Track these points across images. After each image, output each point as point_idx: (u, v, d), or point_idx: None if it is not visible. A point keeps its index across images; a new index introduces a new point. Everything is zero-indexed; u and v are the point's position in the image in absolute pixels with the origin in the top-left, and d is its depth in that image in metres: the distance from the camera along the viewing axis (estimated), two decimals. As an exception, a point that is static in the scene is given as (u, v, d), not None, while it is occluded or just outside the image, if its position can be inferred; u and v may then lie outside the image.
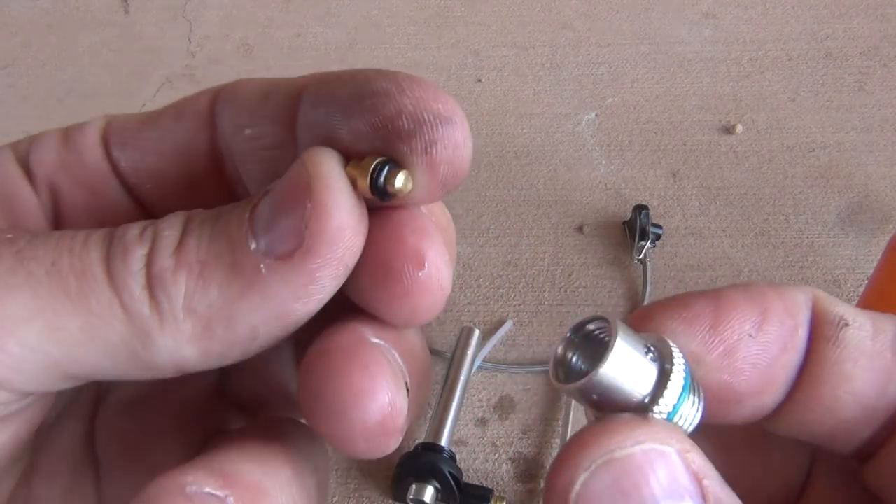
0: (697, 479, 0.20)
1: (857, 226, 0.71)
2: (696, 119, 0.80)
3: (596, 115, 0.82)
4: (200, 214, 0.22)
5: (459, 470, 0.57)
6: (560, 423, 0.60)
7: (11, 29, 0.95)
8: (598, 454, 0.20)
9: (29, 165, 0.25)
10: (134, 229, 0.22)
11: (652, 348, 0.21)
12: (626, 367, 0.20)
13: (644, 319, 0.23)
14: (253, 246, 0.21)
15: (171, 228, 0.22)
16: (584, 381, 0.20)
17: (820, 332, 0.23)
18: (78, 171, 0.26)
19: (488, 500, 0.57)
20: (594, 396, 0.20)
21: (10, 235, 0.21)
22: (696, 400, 0.21)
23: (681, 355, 0.21)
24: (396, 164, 0.22)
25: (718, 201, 0.74)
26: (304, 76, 0.24)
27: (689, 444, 0.21)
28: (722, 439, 0.27)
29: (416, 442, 0.59)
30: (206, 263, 0.22)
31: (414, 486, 0.56)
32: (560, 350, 0.21)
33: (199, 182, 0.27)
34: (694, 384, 0.21)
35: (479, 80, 0.86)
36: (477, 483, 0.58)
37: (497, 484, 0.59)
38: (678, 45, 0.88)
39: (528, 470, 0.60)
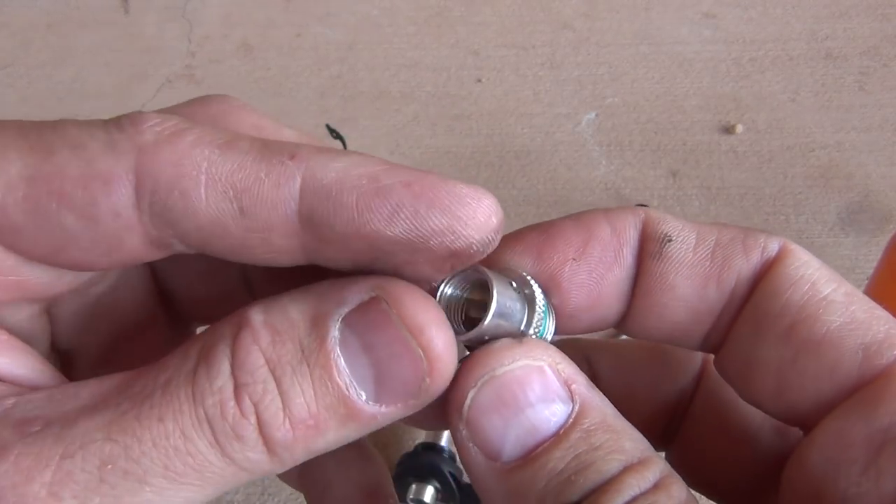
0: (567, 385, 0.24)
1: (857, 226, 0.71)
2: (696, 119, 0.80)
3: (596, 115, 0.82)
4: (285, 364, 0.23)
5: (459, 470, 0.57)
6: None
7: (11, 29, 0.95)
8: (482, 373, 0.24)
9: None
10: (230, 406, 0.22)
11: (513, 283, 0.26)
12: (504, 307, 0.25)
13: (489, 257, 0.25)
14: (363, 398, 0.23)
15: (268, 393, 0.22)
16: (476, 330, 0.24)
17: (646, 249, 0.26)
18: None
19: (488, 500, 0.57)
20: (485, 338, 0.25)
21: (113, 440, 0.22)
22: (552, 315, 0.26)
23: (534, 281, 0.26)
24: (473, 300, 0.26)
25: (718, 201, 0.74)
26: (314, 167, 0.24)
27: (559, 357, 0.25)
28: (623, 353, 0.32)
29: (416, 442, 0.59)
30: (319, 418, 0.23)
31: (414, 486, 0.56)
32: (442, 305, 0.25)
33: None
34: (549, 303, 0.26)
35: (479, 80, 0.86)
36: (477, 483, 0.58)
37: (497, 484, 0.59)
38: (678, 45, 0.88)
39: (528, 470, 0.60)
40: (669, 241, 0.26)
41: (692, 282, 0.26)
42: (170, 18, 0.95)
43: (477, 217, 0.24)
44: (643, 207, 0.27)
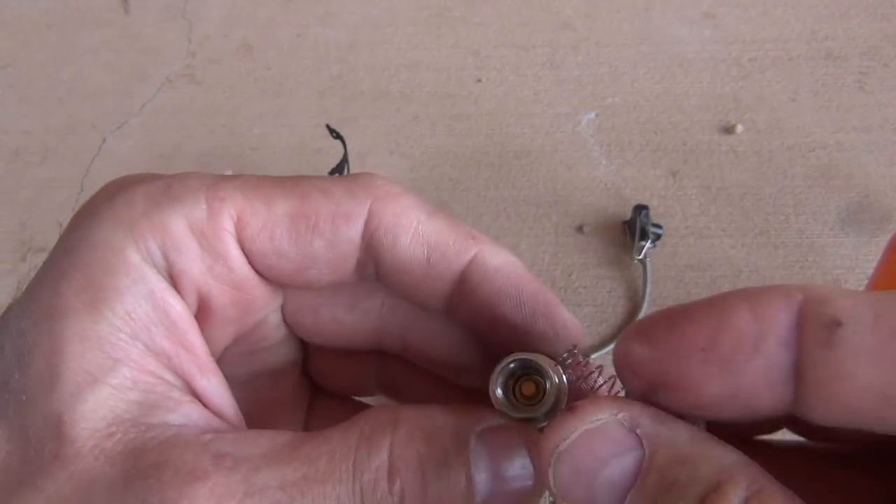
0: (632, 431, 0.24)
1: (857, 226, 0.71)
2: (696, 119, 0.80)
3: (596, 115, 0.82)
4: (432, 461, 0.28)
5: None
6: (560, 423, 0.60)
7: (11, 29, 0.95)
8: (551, 452, 0.25)
9: (172, 276, 0.30)
10: (382, 484, 0.27)
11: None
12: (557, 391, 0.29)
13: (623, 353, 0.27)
14: (478, 499, 0.28)
15: (414, 483, 0.27)
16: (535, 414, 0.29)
17: (811, 336, 0.23)
18: (226, 278, 0.32)
19: (488, 500, 0.57)
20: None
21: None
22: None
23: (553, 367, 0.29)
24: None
25: (718, 201, 0.74)
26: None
27: (616, 406, 0.25)
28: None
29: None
30: None
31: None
32: (500, 392, 0.30)
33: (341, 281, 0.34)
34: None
35: (479, 80, 0.86)
36: (477, 483, 0.58)
37: (497, 484, 0.59)
38: (678, 45, 0.88)
39: (528, 470, 0.60)
40: (838, 325, 0.22)
41: (878, 367, 0.22)
42: (170, 18, 0.95)
43: (568, 338, 0.32)
44: (800, 287, 0.24)
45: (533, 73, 0.86)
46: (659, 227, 0.70)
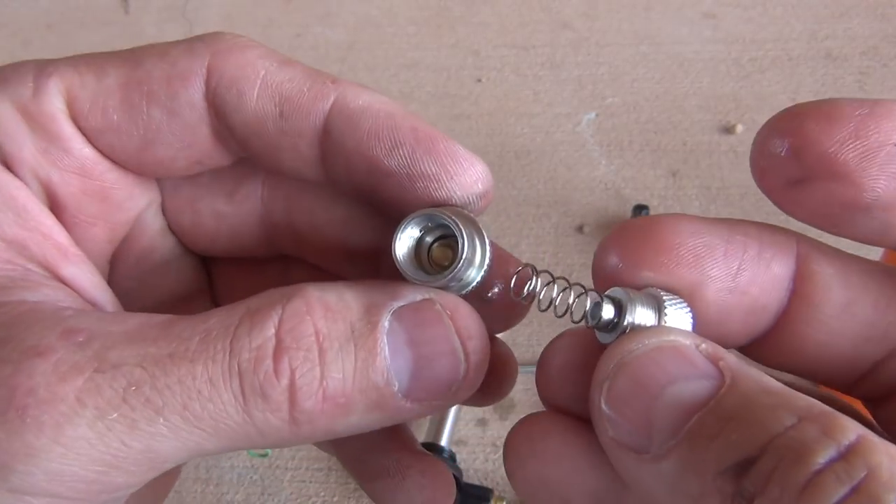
0: (713, 360, 0.22)
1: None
2: (696, 119, 0.80)
3: (596, 115, 0.82)
4: (333, 339, 0.24)
5: (459, 470, 0.57)
6: (560, 423, 0.61)
7: (11, 29, 0.95)
8: (613, 361, 0.23)
9: (7, 163, 0.27)
10: (265, 364, 0.23)
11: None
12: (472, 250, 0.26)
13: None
14: (395, 388, 0.25)
15: (308, 361, 0.24)
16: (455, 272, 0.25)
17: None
18: (66, 162, 0.28)
19: (488, 500, 0.57)
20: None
21: (141, 368, 0.23)
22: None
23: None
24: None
25: (718, 201, 0.74)
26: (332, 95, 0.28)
27: (698, 338, 0.23)
28: (855, 268, 0.26)
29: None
30: (350, 398, 0.24)
31: (414, 486, 0.56)
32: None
33: (197, 148, 0.29)
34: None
35: (479, 80, 0.86)
36: (477, 483, 0.58)
37: (497, 484, 0.59)
38: (678, 45, 0.88)
39: (528, 470, 0.60)
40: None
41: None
42: (170, 18, 0.95)
43: (463, 176, 0.27)
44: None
45: (533, 73, 0.86)
46: (659, 227, 0.70)
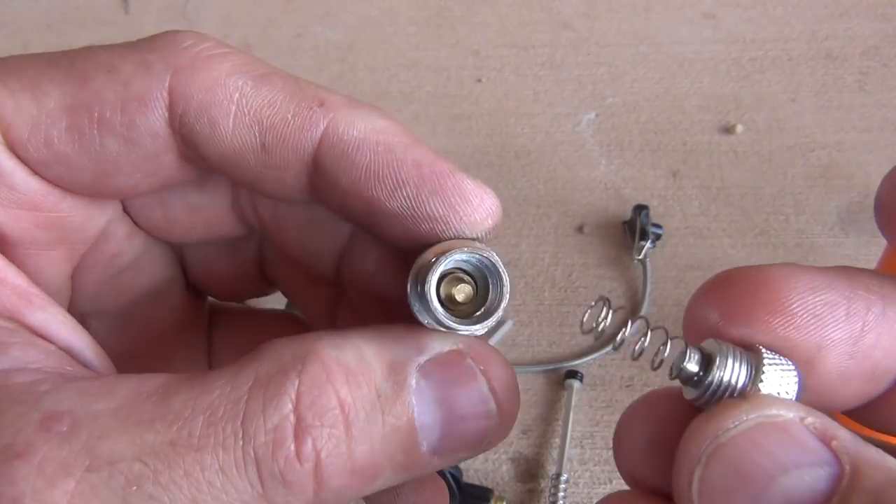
0: (826, 441, 0.18)
1: (857, 226, 0.71)
2: (696, 119, 0.80)
3: (596, 115, 0.82)
4: (359, 409, 0.21)
5: (459, 470, 0.57)
6: (560, 422, 0.60)
7: (11, 29, 0.95)
8: (705, 441, 0.19)
9: None
10: (285, 448, 0.20)
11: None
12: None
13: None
14: (425, 448, 0.22)
15: (333, 438, 0.21)
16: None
17: None
18: (11, 198, 0.24)
19: (488, 500, 0.57)
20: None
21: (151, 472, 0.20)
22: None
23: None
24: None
25: (718, 201, 0.74)
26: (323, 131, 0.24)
27: (805, 410, 0.19)
28: None
29: (416, 442, 0.59)
30: (378, 466, 0.21)
31: (414, 486, 0.55)
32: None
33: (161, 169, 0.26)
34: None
35: (479, 80, 0.86)
36: (477, 483, 0.58)
37: (497, 484, 0.59)
38: (678, 45, 0.88)
39: (528, 470, 0.60)
40: None
41: None
42: (170, 18, 0.95)
43: (474, 215, 0.24)
44: None
45: (533, 73, 0.86)
46: (659, 227, 0.70)
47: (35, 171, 0.24)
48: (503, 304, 0.23)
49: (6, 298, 0.23)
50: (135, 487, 0.20)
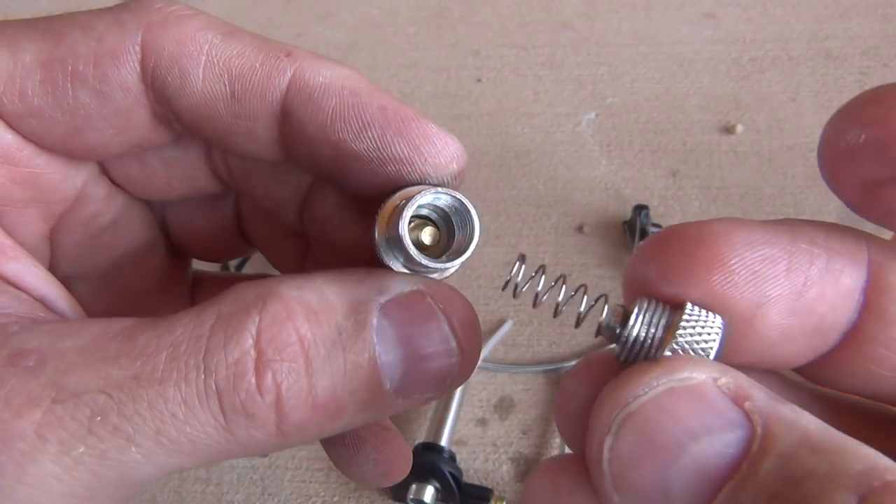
0: (738, 402, 0.18)
1: (857, 226, 0.71)
2: (696, 119, 0.80)
3: (596, 115, 0.82)
4: (319, 345, 0.22)
5: (459, 470, 0.57)
6: (560, 423, 0.60)
7: (11, 29, 0.95)
8: (615, 409, 0.18)
9: None
10: (246, 380, 0.21)
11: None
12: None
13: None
14: (388, 386, 0.22)
15: (294, 373, 0.21)
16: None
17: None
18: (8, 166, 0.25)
19: (488, 500, 0.57)
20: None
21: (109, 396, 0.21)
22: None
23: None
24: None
25: (718, 201, 0.74)
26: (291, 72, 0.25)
27: (718, 370, 0.18)
28: None
29: (416, 442, 0.59)
30: (341, 402, 0.22)
31: (414, 486, 0.56)
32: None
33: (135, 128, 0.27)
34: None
35: (479, 80, 0.86)
36: (477, 483, 0.58)
37: (497, 484, 0.59)
38: (678, 45, 0.88)
39: (528, 470, 0.60)
40: None
41: None
42: (170, 18, 0.95)
43: (438, 157, 0.24)
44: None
45: (533, 73, 0.86)
46: (659, 227, 0.70)
47: (9, 124, 0.25)
48: (473, 243, 0.24)
49: None
50: (99, 418, 0.20)
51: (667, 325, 0.20)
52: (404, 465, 0.31)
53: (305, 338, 0.22)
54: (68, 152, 0.26)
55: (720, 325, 0.20)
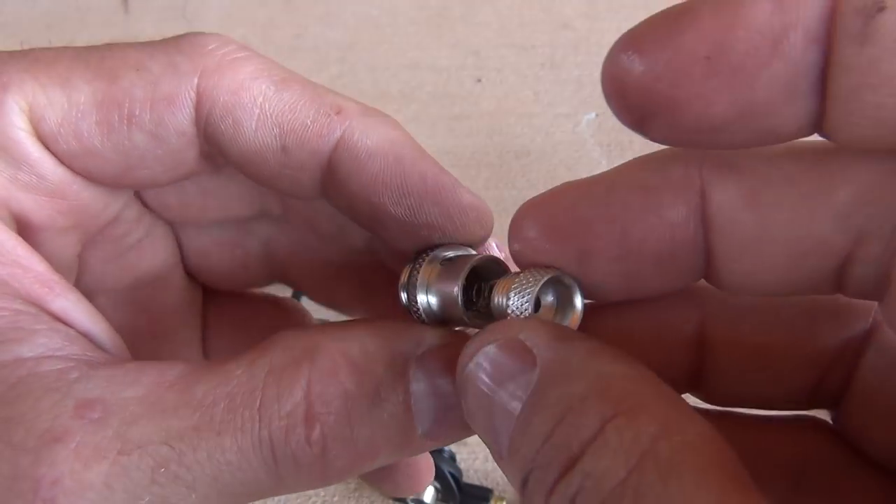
0: (525, 353, 0.21)
1: (857, 226, 0.71)
2: (696, 119, 0.80)
3: (596, 115, 0.82)
4: (363, 399, 0.24)
5: (459, 470, 0.57)
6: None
7: (11, 29, 0.95)
8: (459, 382, 0.22)
9: None
10: (297, 432, 0.23)
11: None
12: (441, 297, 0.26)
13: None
14: (419, 431, 0.24)
15: (339, 425, 0.23)
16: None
17: (845, 27, 0.17)
18: (38, 187, 0.26)
19: (488, 500, 0.57)
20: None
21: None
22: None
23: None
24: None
25: (718, 201, 0.74)
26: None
27: (519, 326, 0.22)
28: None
29: (416, 442, 0.59)
30: (378, 449, 0.24)
31: (414, 486, 0.55)
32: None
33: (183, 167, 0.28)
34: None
35: (479, 80, 0.86)
36: (477, 483, 0.58)
37: (497, 484, 0.59)
38: (678, 45, 0.88)
39: (528, 470, 0.59)
40: (882, 9, 0.16)
41: None
42: (170, 18, 0.95)
43: (469, 226, 0.27)
44: None
45: (533, 73, 0.86)
46: (659, 227, 0.70)
47: (63, 161, 0.26)
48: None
49: (30, 286, 0.25)
50: (163, 469, 0.22)
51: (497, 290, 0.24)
52: (431, 473, 0.33)
53: (350, 391, 0.23)
54: (116, 185, 0.28)
55: (537, 283, 0.24)
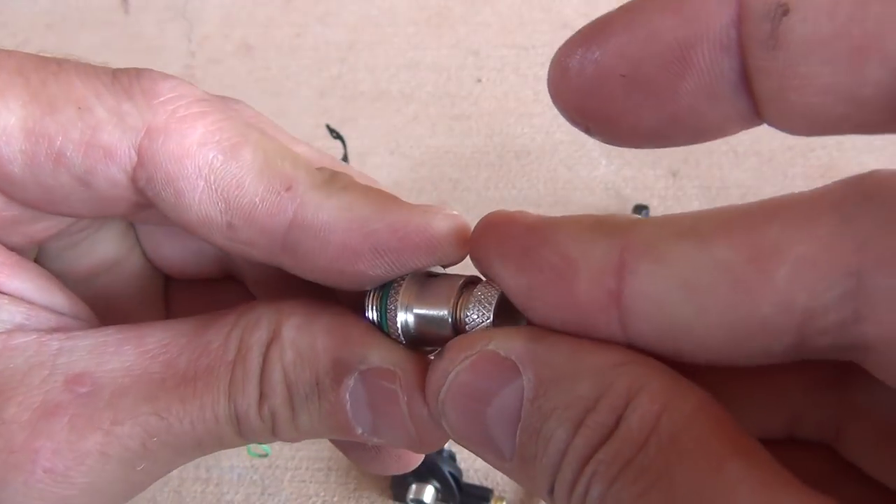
0: (508, 359, 0.21)
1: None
2: (696, 119, 0.80)
3: (596, 115, 0.82)
4: (300, 386, 0.25)
5: (459, 470, 0.57)
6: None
7: (11, 29, 0.95)
8: (434, 405, 0.23)
9: None
10: (254, 411, 0.25)
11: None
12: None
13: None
14: (360, 431, 0.25)
15: (282, 408, 0.25)
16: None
17: (753, 33, 0.17)
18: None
19: (488, 500, 0.57)
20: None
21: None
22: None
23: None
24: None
25: (718, 201, 0.74)
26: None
27: (486, 337, 0.22)
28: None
29: (416, 442, 0.59)
30: (321, 434, 0.26)
31: (414, 486, 0.56)
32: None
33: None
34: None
35: (479, 80, 0.86)
36: (477, 483, 0.58)
37: (497, 484, 0.59)
38: (678, 45, 0.88)
39: (528, 470, 0.59)
40: (786, 12, 0.16)
41: (838, 63, 0.16)
42: (170, 18, 0.95)
43: (450, 255, 0.25)
44: None
45: (533, 73, 0.86)
46: (659, 227, 0.70)
47: None
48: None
49: None
50: (154, 438, 0.24)
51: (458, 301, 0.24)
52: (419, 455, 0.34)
53: (289, 380, 0.25)
54: (37, 210, 0.26)
55: (493, 298, 0.23)
